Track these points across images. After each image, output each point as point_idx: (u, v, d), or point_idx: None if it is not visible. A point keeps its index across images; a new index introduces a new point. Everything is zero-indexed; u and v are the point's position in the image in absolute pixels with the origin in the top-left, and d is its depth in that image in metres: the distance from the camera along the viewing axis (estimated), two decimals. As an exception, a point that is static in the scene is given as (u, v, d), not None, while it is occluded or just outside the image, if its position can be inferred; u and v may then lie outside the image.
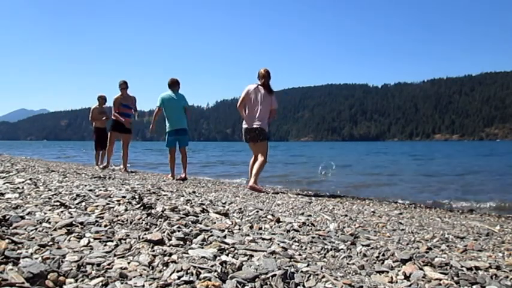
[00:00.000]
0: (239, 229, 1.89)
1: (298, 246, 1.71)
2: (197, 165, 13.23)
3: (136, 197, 2.31)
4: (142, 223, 1.70)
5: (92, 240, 1.39)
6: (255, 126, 5.19)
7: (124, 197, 2.26)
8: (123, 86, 7.05)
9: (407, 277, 1.41)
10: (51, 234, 1.40)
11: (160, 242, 1.44)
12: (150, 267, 1.20)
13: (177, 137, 6.11)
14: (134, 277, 1.10)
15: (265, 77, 5.21)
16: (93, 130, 8.19)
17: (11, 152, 20.84)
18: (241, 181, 7.24)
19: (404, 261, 1.58)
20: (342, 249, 1.73)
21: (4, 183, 2.53)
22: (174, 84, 6.20)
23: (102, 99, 8.04)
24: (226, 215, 2.21)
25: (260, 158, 5.20)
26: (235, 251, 1.46)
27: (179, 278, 1.12)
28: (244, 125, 5.29)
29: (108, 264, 1.17)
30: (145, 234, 1.52)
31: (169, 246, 1.43)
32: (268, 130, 5.32)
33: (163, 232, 1.57)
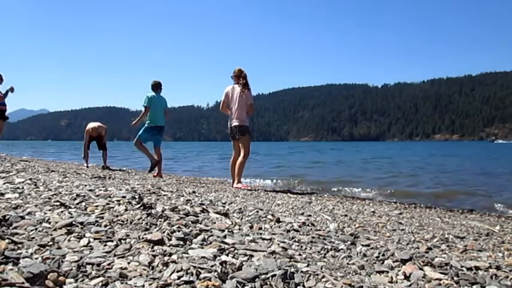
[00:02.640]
0: (239, 229, 1.89)
1: (298, 246, 1.71)
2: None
3: (136, 197, 2.31)
4: (142, 223, 1.70)
5: (92, 240, 1.39)
6: (233, 125, 5.46)
7: (124, 197, 2.26)
8: None
9: (407, 277, 1.41)
10: (51, 234, 1.40)
11: (160, 242, 1.44)
12: (150, 267, 1.20)
13: (155, 135, 6.71)
14: (134, 277, 1.10)
15: (237, 77, 5.45)
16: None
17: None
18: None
19: (404, 261, 1.58)
20: (342, 249, 1.73)
21: (4, 183, 2.53)
22: (157, 86, 6.86)
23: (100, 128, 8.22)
24: (226, 215, 2.21)
25: (240, 157, 5.43)
26: (235, 251, 1.46)
27: (179, 278, 1.12)
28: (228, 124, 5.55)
29: (108, 264, 1.17)
30: (145, 234, 1.52)
31: (169, 246, 1.43)
32: (249, 125, 5.55)
33: (163, 232, 1.57)
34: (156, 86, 6.86)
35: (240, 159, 5.42)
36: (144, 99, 6.70)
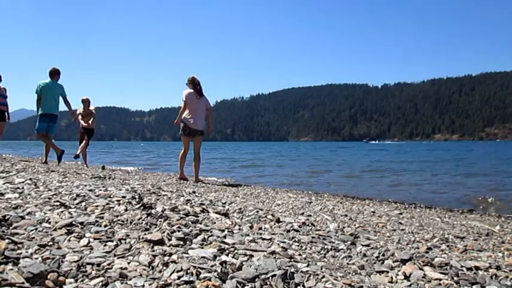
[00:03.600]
0: (239, 229, 1.89)
1: (298, 246, 1.71)
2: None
3: (136, 197, 2.31)
4: (142, 223, 1.70)
5: (92, 240, 1.39)
6: (194, 128, 5.84)
7: (124, 197, 2.26)
8: None
9: (407, 277, 1.41)
10: (51, 234, 1.40)
11: (160, 242, 1.44)
12: (150, 267, 1.20)
13: (48, 123, 6.63)
14: (134, 277, 1.10)
15: (192, 84, 5.80)
16: (79, 129, 8.18)
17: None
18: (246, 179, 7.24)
19: (404, 261, 1.58)
20: (342, 249, 1.73)
21: (4, 183, 2.53)
22: (53, 74, 6.69)
23: (86, 102, 8.08)
24: (226, 215, 2.21)
25: (194, 155, 5.93)
26: (235, 251, 1.46)
27: (179, 278, 1.12)
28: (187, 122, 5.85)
29: (108, 264, 1.17)
30: (145, 234, 1.52)
31: (169, 246, 1.43)
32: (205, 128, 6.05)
33: (163, 232, 1.57)
34: (52, 73, 6.71)
35: (195, 156, 5.91)
36: (35, 88, 6.59)
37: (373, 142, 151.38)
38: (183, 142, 5.92)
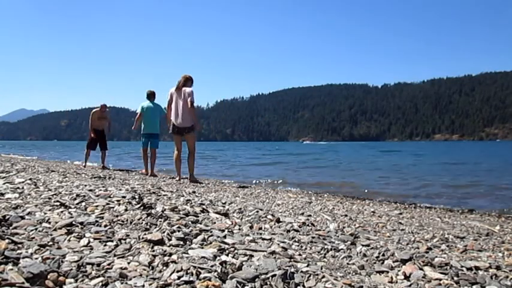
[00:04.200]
0: (239, 229, 1.89)
1: (298, 246, 1.71)
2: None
3: (136, 197, 2.31)
4: (142, 223, 1.70)
5: (92, 240, 1.39)
6: (179, 124, 5.78)
7: (124, 197, 2.26)
8: None
9: (407, 277, 1.41)
10: (51, 234, 1.40)
11: (160, 242, 1.44)
12: (150, 267, 1.20)
13: (149, 139, 7.24)
14: (134, 277, 1.10)
15: (179, 82, 5.79)
16: (91, 130, 8.22)
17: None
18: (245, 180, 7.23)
19: (404, 261, 1.58)
20: (342, 249, 1.73)
21: (4, 183, 2.53)
22: (151, 96, 7.34)
23: (103, 107, 8.25)
24: (226, 215, 2.21)
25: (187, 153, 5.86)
26: (235, 251, 1.46)
27: (179, 278, 1.12)
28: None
29: (108, 264, 1.17)
30: (145, 234, 1.52)
31: (169, 246, 1.43)
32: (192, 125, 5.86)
33: (163, 232, 1.57)
34: (150, 96, 7.31)
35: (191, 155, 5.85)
36: (138, 108, 7.30)
37: (307, 142, 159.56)
38: (174, 142, 5.91)
